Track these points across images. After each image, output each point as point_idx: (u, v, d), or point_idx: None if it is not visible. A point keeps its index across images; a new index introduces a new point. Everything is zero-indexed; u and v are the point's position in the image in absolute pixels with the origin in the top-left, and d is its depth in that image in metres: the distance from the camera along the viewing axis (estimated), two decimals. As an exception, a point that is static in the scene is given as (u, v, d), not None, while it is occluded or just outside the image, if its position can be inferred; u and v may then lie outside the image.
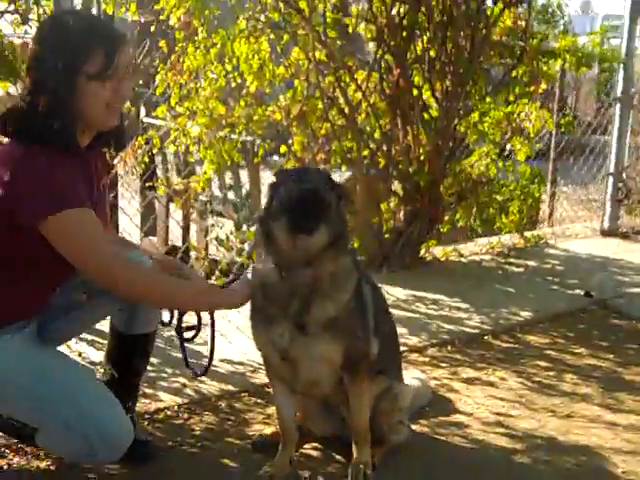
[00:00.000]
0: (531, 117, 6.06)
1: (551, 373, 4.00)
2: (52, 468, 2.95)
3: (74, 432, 2.60)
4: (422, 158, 5.44)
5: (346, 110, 5.08)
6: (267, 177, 6.02)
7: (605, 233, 6.88)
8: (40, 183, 2.50)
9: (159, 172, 5.50)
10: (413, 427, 3.30)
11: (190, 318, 3.05)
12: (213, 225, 5.17)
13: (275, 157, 6.21)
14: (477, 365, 4.09)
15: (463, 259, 6.07)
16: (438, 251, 6.02)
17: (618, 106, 6.54)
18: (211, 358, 3.06)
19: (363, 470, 2.90)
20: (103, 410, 2.66)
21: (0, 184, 2.51)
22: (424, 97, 5.40)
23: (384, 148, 5.38)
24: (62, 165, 2.55)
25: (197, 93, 4.76)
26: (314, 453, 3.14)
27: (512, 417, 3.50)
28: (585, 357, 4.22)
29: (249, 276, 2.85)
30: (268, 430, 3.23)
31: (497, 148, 6.01)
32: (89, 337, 3.89)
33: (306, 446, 3.14)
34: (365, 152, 5.29)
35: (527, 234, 6.53)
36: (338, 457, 3.10)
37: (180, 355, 3.10)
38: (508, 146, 6.13)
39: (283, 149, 5.27)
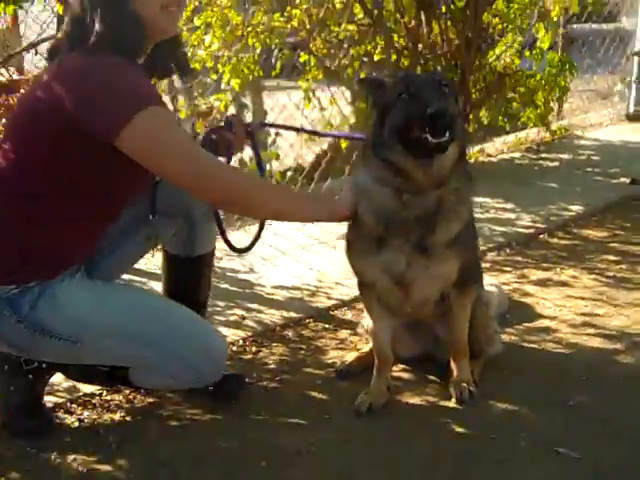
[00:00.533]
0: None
1: (623, 266, 3.79)
2: (127, 419, 2.71)
3: (179, 358, 2.50)
4: (450, 54, 5.07)
5: (369, 6, 4.68)
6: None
7: (631, 118, 6.62)
8: (116, 84, 2.24)
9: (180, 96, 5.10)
10: (501, 338, 3.09)
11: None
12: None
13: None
14: (543, 265, 3.87)
15: (493, 159, 5.79)
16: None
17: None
18: (259, 233, 2.86)
19: (467, 388, 2.69)
20: (201, 329, 2.63)
21: (69, 99, 2.24)
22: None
23: (409, 46, 5.01)
24: (133, 67, 2.31)
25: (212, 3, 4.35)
26: (405, 375, 2.91)
27: (599, 316, 3.29)
28: (652, 246, 4.01)
29: (349, 189, 2.54)
30: (349, 356, 2.99)
31: (523, 36, 5.65)
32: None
33: (394, 369, 2.91)
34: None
35: (553, 127, 6.25)
36: (432, 377, 2.87)
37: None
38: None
39: (303, 57, 4.90)
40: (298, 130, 3.28)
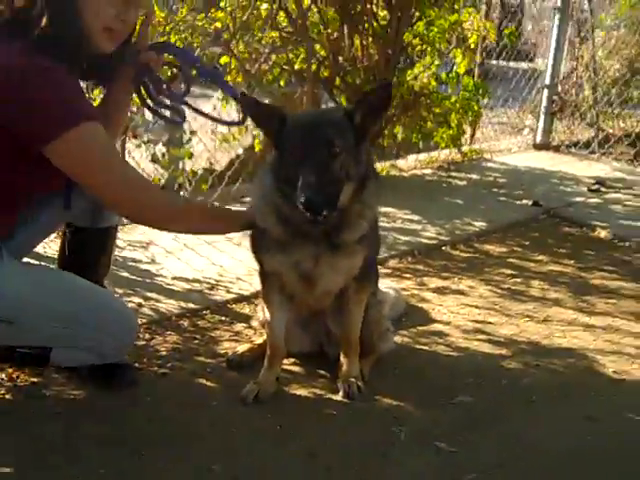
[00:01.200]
0: (474, 27, 5.87)
1: (518, 280, 3.90)
2: (8, 397, 2.63)
3: (106, 333, 2.57)
4: (370, 68, 5.16)
5: (294, 16, 4.72)
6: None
7: (538, 147, 6.83)
8: (52, 95, 2.25)
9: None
10: (394, 339, 3.14)
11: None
12: (147, 142, 4.76)
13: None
14: (442, 275, 3.95)
15: (404, 173, 5.89)
16: (378, 167, 5.81)
17: (557, 16, 6.40)
18: None
19: (355, 383, 2.72)
20: (120, 303, 2.83)
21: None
22: (373, 4, 5.09)
23: (330, 58, 5.07)
24: (69, 77, 2.31)
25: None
26: (295, 369, 2.93)
27: (491, 324, 3.38)
28: (547, 264, 4.14)
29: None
30: (242, 347, 2.98)
31: (440, 59, 5.79)
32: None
33: (285, 362, 2.91)
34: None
35: (465, 149, 6.41)
36: (321, 372, 2.90)
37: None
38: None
39: (224, 59, 4.89)
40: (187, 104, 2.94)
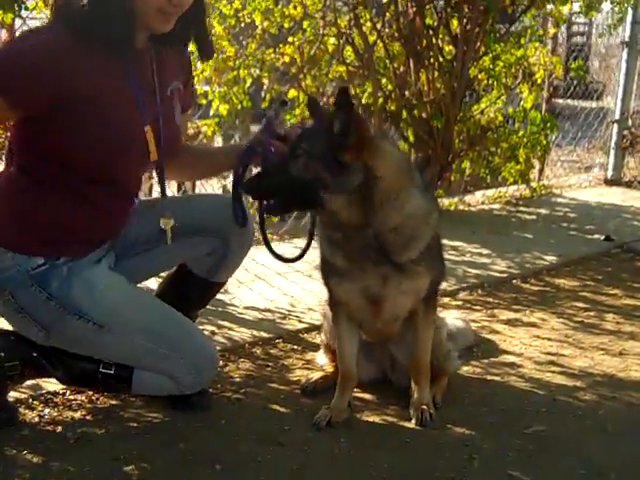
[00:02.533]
0: (541, 62, 5.89)
1: (591, 313, 3.85)
2: (88, 418, 2.71)
3: (189, 361, 2.63)
4: (436, 102, 5.21)
5: (361, 51, 4.83)
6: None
7: (609, 182, 6.77)
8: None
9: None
10: (465, 369, 3.14)
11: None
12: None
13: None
14: (513, 307, 3.92)
15: (472, 208, 5.89)
16: (445, 202, 5.83)
17: (625, 50, 6.37)
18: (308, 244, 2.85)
19: (427, 410, 2.72)
20: (205, 337, 2.90)
21: None
22: (439, 39, 5.17)
23: (397, 92, 5.14)
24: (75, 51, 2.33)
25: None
26: (365, 396, 2.94)
27: (564, 356, 3.34)
28: (621, 297, 4.08)
29: None
30: (315, 375, 3.01)
31: (506, 94, 5.82)
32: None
33: (355, 390, 2.92)
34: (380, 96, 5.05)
35: (533, 184, 6.38)
36: (391, 400, 2.90)
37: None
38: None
39: (292, 93, 5.02)
40: None
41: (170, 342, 2.63)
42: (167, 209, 2.70)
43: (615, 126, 6.66)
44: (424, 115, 5.29)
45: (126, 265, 2.72)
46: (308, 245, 2.82)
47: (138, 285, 2.88)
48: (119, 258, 2.73)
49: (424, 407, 2.73)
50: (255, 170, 2.74)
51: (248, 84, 4.83)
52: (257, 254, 3.97)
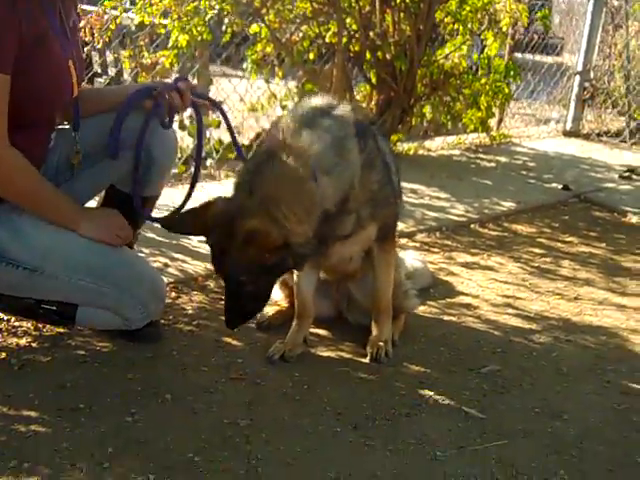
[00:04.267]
0: (507, 9, 5.78)
1: (547, 259, 3.84)
2: (34, 345, 2.62)
3: (132, 295, 2.52)
4: (401, 44, 5.10)
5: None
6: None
7: (567, 134, 6.75)
8: None
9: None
10: (422, 309, 3.11)
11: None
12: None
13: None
14: (471, 251, 3.90)
15: (432, 153, 5.83)
16: (405, 146, 5.75)
17: (591, 2, 6.31)
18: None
19: (384, 347, 2.68)
20: (149, 268, 2.71)
21: None
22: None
23: (361, 32, 5.01)
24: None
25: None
26: (321, 332, 2.89)
27: (520, 299, 3.33)
28: (577, 245, 4.08)
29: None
30: (271, 310, 2.95)
31: (472, 40, 5.73)
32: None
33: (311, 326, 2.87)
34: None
35: (493, 133, 6.34)
36: (347, 336, 2.86)
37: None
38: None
39: (254, 29, 4.86)
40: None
41: (111, 278, 2.51)
42: (77, 144, 2.62)
43: (577, 78, 6.63)
44: (388, 57, 5.18)
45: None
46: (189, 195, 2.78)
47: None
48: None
49: (380, 344, 2.70)
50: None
51: (209, 16, 4.64)
52: (212, 187, 3.89)
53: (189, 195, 2.80)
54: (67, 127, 2.69)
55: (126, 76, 5.35)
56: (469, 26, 5.61)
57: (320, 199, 2.30)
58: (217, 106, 2.89)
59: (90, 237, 2.47)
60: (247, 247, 2.23)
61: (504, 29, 5.96)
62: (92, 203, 2.93)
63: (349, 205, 2.40)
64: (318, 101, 2.51)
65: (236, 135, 2.98)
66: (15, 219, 2.40)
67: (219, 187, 4.03)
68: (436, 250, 3.87)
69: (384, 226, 2.61)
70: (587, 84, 6.64)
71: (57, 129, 2.66)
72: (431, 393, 2.50)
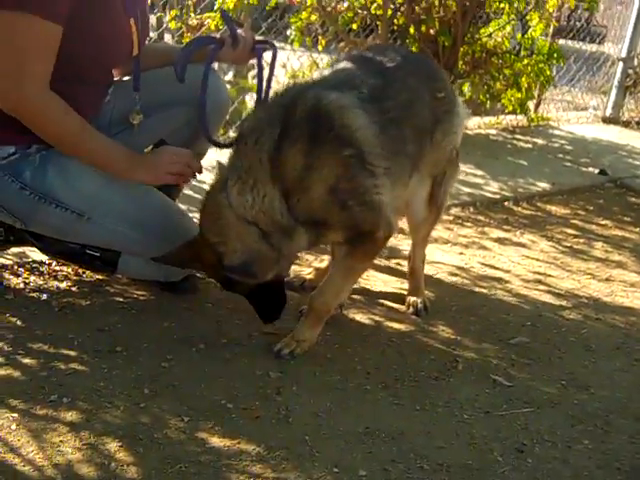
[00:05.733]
0: (553, -10, 5.73)
1: (581, 240, 3.85)
2: (74, 289, 2.69)
3: (166, 247, 2.43)
4: (446, 20, 5.08)
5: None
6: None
7: (607, 120, 6.71)
8: None
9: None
10: (453, 279, 3.16)
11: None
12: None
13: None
14: (504, 227, 3.91)
15: (469, 132, 5.81)
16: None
17: (640, -13, 6.24)
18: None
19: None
20: (187, 220, 2.68)
21: None
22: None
23: (407, 5, 5.00)
24: None
25: None
26: (354, 296, 2.93)
27: (551, 277, 3.34)
28: (611, 228, 4.08)
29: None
30: (306, 271, 2.99)
31: (516, 20, 5.68)
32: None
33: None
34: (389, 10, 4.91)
35: (531, 114, 6.30)
36: (378, 300, 2.91)
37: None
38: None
39: (299, -1, 4.87)
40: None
41: (155, 231, 2.54)
42: (137, 104, 2.62)
43: (620, 64, 6.57)
44: (432, 32, 5.15)
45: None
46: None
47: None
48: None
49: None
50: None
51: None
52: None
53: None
54: (125, 80, 2.72)
55: (167, 37, 5.38)
56: (515, 5, 5.57)
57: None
58: (273, 47, 2.75)
59: (141, 181, 2.51)
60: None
61: (550, 10, 5.92)
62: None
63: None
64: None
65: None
66: (66, 163, 2.44)
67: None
68: (469, 225, 3.89)
69: (353, 230, 2.38)
70: (630, 71, 6.58)
71: (115, 83, 2.69)
72: (460, 359, 2.54)
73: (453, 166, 2.81)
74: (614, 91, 6.66)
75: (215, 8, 4.66)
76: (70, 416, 2.03)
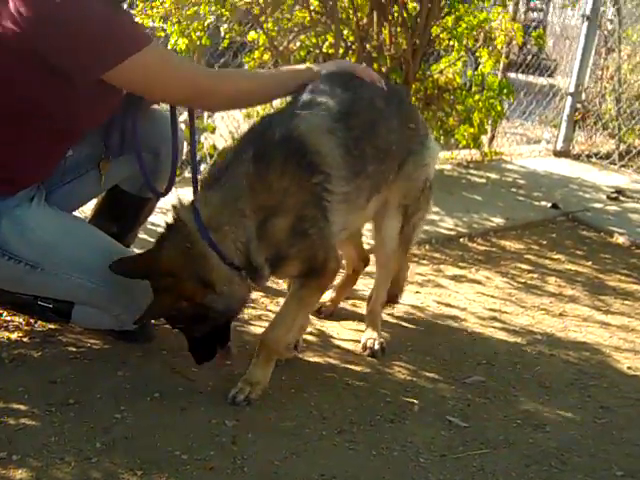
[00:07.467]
0: (502, 27, 5.87)
1: (534, 275, 3.90)
2: (25, 340, 2.64)
3: (129, 297, 2.49)
4: (397, 57, 5.16)
5: (324, -3, 4.74)
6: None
7: (558, 154, 6.82)
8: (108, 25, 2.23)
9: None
10: (409, 319, 3.18)
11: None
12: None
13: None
14: (459, 264, 3.95)
15: (424, 168, 5.88)
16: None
17: (585, 24, 6.39)
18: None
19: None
20: None
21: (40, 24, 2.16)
22: (403, -9, 5.10)
23: (358, 43, 5.07)
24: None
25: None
26: (309, 338, 2.93)
27: (506, 313, 3.38)
28: (564, 263, 4.14)
29: None
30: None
31: (466, 56, 5.80)
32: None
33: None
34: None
35: (485, 149, 6.41)
36: (336, 342, 2.91)
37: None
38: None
39: (253, 36, 4.91)
40: None
41: (109, 280, 2.48)
42: (108, 154, 2.66)
43: (569, 98, 6.70)
44: (383, 69, 5.22)
45: (58, 194, 2.60)
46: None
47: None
48: (51, 188, 2.58)
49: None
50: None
51: (208, 21, 4.69)
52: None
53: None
54: None
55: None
56: (464, 42, 5.69)
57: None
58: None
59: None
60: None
61: (499, 47, 6.05)
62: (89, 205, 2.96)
63: None
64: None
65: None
66: (19, 214, 2.41)
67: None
68: (425, 262, 3.92)
69: (309, 262, 2.43)
70: (579, 105, 6.72)
71: None
72: (416, 401, 2.55)
73: (425, 200, 2.91)
74: (564, 125, 6.79)
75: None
76: (19, 474, 1.99)
